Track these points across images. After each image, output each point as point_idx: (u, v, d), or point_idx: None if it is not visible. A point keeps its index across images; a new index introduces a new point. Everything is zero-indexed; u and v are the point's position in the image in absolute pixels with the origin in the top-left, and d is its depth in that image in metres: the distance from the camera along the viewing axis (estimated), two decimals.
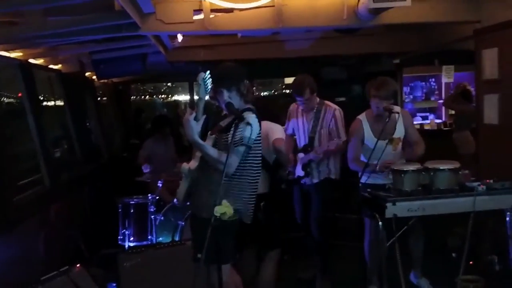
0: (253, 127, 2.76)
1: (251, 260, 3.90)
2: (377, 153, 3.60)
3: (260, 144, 2.97)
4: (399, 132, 3.86)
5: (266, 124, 3.57)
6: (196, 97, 2.68)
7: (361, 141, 3.91)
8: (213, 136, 2.90)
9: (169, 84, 13.78)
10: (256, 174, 2.94)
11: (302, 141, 4.34)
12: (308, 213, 4.37)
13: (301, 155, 4.30)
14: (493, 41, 4.20)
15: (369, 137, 3.86)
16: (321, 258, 4.41)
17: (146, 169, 5.13)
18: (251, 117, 2.78)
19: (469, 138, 6.25)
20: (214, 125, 2.97)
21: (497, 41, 4.15)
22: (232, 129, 2.76)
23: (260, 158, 2.98)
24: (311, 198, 4.35)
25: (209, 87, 2.68)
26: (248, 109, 2.88)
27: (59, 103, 5.96)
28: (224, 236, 2.68)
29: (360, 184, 3.86)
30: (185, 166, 2.94)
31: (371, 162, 3.61)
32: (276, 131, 3.79)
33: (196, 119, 2.68)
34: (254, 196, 2.95)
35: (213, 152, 2.77)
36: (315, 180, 4.28)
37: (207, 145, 2.78)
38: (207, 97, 2.82)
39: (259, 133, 2.91)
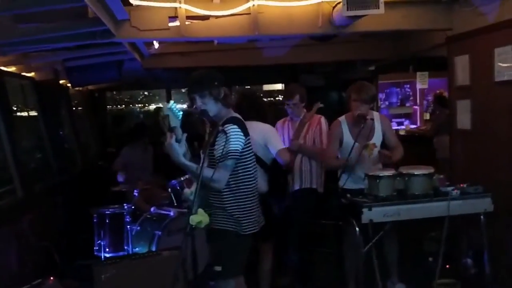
0: (236, 140, 2.76)
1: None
2: (355, 156, 3.66)
3: (250, 156, 2.94)
4: (377, 137, 3.90)
5: (258, 125, 3.71)
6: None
7: (338, 142, 3.94)
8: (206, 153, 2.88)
9: (145, 92, 13.65)
10: (251, 188, 2.91)
11: None
12: (285, 221, 4.33)
13: None
14: (464, 48, 4.29)
15: (348, 139, 3.89)
16: (300, 266, 4.40)
17: (120, 178, 5.06)
18: (232, 129, 2.76)
19: (448, 143, 6.35)
20: (197, 136, 2.97)
21: (468, 48, 4.25)
22: (217, 141, 2.75)
23: (252, 171, 2.95)
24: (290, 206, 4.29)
25: (179, 113, 2.67)
26: (232, 119, 2.84)
27: (32, 112, 5.84)
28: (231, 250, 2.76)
29: (339, 189, 3.89)
30: (187, 191, 2.97)
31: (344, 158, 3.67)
32: (274, 137, 3.84)
33: (177, 140, 2.67)
34: (250, 211, 2.92)
35: (198, 170, 2.71)
36: (296, 187, 4.24)
37: (194, 165, 2.75)
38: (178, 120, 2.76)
39: (247, 143, 2.88)
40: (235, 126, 2.79)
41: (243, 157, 2.85)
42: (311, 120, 4.25)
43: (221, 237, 2.89)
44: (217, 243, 2.93)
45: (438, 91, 7.08)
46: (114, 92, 10.83)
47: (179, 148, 2.66)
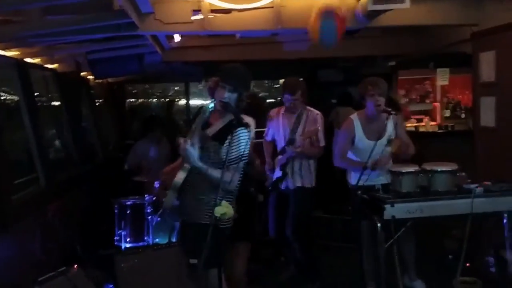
0: (248, 144, 2.80)
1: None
2: (373, 154, 3.61)
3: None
4: (389, 133, 3.87)
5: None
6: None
7: (351, 141, 3.92)
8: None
9: (166, 84, 13.66)
10: (238, 185, 2.92)
11: (282, 144, 4.34)
12: (285, 219, 4.32)
13: (279, 157, 4.30)
14: (491, 44, 4.23)
15: (361, 137, 3.87)
16: (305, 263, 4.39)
17: (157, 184, 5.00)
18: (246, 134, 2.79)
19: None
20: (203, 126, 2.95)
21: (494, 44, 4.18)
22: (231, 141, 2.75)
23: (243, 172, 2.95)
24: (289, 203, 4.30)
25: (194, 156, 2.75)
26: (245, 124, 2.82)
27: (55, 102, 5.92)
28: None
29: (349, 186, 3.87)
30: (178, 181, 2.90)
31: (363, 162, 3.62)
32: None
33: (192, 145, 2.73)
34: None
35: (216, 173, 2.76)
36: (298, 184, 4.25)
37: (209, 168, 2.78)
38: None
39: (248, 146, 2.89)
40: (248, 131, 2.81)
41: (247, 158, 2.89)
42: (309, 117, 4.23)
43: (196, 230, 2.85)
44: (193, 236, 2.91)
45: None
46: (134, 84, 10.88)
47: (194, 152, 2.72)
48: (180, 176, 2.85)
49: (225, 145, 2.78)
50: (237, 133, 2.76)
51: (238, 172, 2.84)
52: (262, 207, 4.49)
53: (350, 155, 3.97)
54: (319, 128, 4.16)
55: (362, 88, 3.90)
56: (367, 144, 3.74)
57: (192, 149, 2.70)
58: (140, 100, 13.40)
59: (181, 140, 2.74)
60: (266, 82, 12.46)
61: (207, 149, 2.83)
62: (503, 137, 4.12)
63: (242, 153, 2.80)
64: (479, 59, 4.41)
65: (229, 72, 2.83)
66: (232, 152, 2.76)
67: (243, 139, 2.78)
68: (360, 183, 3.70)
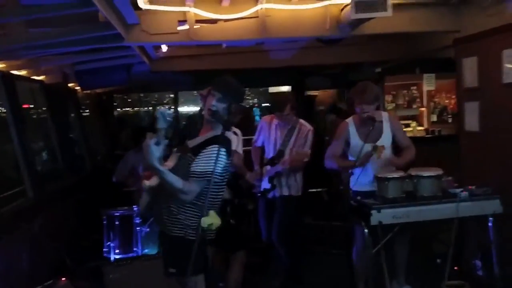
0: (220, 163, 2.65)
1: (219, 263, 3.93)
2: (361, 155, 3.68)
3: (226, 176, 2.83)
4: (386, 138, 3.91)
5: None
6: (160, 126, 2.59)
7: (345, 143, 3.97)
8: (178, 154, 2.84)
9: (155, 95, 13.69)
10: (212, 203, 2.75)
11: (271, 153, 4.42)
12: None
13: (268, 167, 4.36)
14: (472, 50, 4.30)
15: (355, 140, 3.91)
16: (289, 268, 4.46)
17: (114, 178, 5.05)
18: (221, 152, 2.66)
19: None
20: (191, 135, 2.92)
21: (476, 50, 4.25)
22: (203, 154, 2.68)
23: (222, 189, 2.84)
24: (276, 210, 4.39)
25: (169, 119, 2.60)
26: (224, 140, 2.72)
27: (42, 114, 5.89)
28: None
29: (351, 191, 3.91)
30: (146, 183, 2.86)
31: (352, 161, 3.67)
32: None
33: (157, 144, 2.56)
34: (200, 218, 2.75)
35: (172, 178, 2.64)
36: (285, 193, 4.35)
37: (167, 171, 2.66)
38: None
39: (226, 165, 2.78)
40: (224, 150, 2.70)
41: (218, 177, 2.72)
42: (300, 131, 4.32)
43: (169, 241, 2.82)
44: (167, 247, 2.87)
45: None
46: (123, 95, 10.88)
47: (155, 151, 2.55)
48: (156, 180, 2.80)
49: (197, 158, 2.71)
50: (211, 149, 2.68)
51: (199, 187, 2.68)
52: (252, 214, 4.54)
53: (350, 158, 4.00)
54: (308, 151, 4.23)
55: (351, 94, 3.96)
56: (362, 147, 3.78)
57: (154, 147, 2.55)
58: (129, 109, 13.39)
59: (148, 135, 2.61)
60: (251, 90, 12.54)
61: (183, 159, 2.78)
62: (487, 141, 4.17)
63: (209, 170, 2.64)
64: (462, 64, 4.48)
65: (220, 81, 2.82)
66: (198, 165, 2.67)
67: (213, 156, 2.64)
68: (359, 188, 3.77)
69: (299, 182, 4.41)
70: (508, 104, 3.86)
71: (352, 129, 3.95)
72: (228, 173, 2.88)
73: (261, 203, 4.51)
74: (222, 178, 2.78)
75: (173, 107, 8.94)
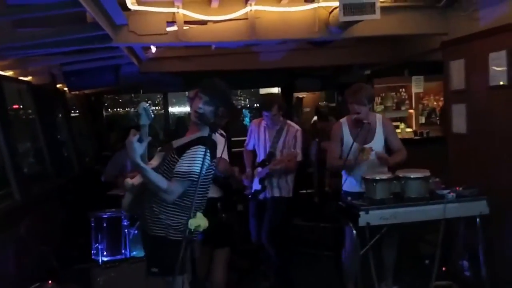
0: (203, 164, 2.62)
1: (205, 259, 3.91)
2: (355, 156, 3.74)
3: (209, 178, 2.83)
4: (378, 140, 3.94)
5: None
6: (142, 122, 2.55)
7: (340, 143, 4.01)
8: (162, 153, 2.83)
9: (146, 96, 13.62)
10: (197, 204, 2.73)
11: (261, 156, 4.47)
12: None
13: (259, 169, 4.39)
14: (460, 53, 4.34)
15: (348, 140, 3.95)
16: (278, 269, 4.46)
17: (103, 178, 4.99)
18: (206, 153, 2.64)
19: None
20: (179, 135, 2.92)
21: (463, 53, 4.29)
22: (187, 154, 2.67)
23: (206, 190, 2.84)
24: (266, 211, 4.41)
25: (152, 115, 2.57)
26: (209, 141, 2.70)
27: (29, 116, 5.83)
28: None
29: (342, 192, 3.93)
30: (129, 181, 2.84)
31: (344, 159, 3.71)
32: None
33: (139, 140, 2.55)
34: (183, 219, 2.73)
35: (154, 176, 2.63)
36: (276, 194, 4.37)
37: (149, 169, 2.65)
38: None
39: (210, 166, 2.78)
40: (208, 151, 2.67)
41: (202, 178, 2.68)
42: (289, 132, 4.36)
43: (151, 240, 2.81)
44: (149, 247, 2.87)
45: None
46: (112, 96, 10.81)
47: (138, 148, 2.54)
48: (138, 179, 2.79)
49: (181, 159, 2.70)
50: (195, 150, 2.66)
51: (182, 188, 2.67)
52: (241, 216, 4.54)
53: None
54: (298, 152, 4.27)
55: (346, 93, 4.01)
56: (351, 145, 3.82)
57: (137, 144, 2.53)
58: (119, 110, 13.30)
59: (132, 132, 2.60)
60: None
61: (167, 159, 2.77)
62: (474, 143, 4.22)
63: (193, 171, 2.64)
64: (450, 67, 4.53)
65: (208, 84, 2.80)
66: (182, 165, 2.66)
67: (199, 158, 2.64)
68: (350, 189, 3.81)
69: (290, 184, 4.43)
70: (494, 106, 3.90)
71: (345, 129, 4.00)
72: (212, 175, 2.87)
73: (251, 204, 4.53)
74: (205, 179, 2.77)
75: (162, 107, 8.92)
